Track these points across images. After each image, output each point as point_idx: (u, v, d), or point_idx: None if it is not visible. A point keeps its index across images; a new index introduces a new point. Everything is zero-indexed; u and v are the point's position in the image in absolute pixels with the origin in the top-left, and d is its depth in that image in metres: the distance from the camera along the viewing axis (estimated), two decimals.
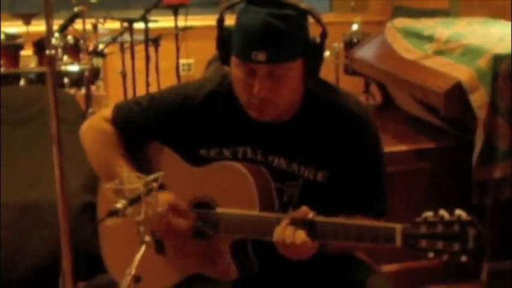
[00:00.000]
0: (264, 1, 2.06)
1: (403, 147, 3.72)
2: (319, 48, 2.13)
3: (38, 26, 5.44)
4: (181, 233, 2.22)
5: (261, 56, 2.04)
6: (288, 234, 2.00)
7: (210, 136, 2.27)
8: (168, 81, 5.15)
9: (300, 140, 2.22)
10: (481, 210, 3.45)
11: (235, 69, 2.13)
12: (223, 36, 2.16)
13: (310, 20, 2.13)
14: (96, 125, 2.38)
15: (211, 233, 2.21)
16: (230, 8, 2.19)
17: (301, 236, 1.99)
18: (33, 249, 3.28)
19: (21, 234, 3.23)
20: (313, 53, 2.12)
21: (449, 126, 3.85)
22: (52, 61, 2.34)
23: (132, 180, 1.98)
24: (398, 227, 1.90)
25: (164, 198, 2.19)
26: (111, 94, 6.20)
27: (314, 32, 2.13)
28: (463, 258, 1.81)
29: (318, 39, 2.12)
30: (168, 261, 2.32)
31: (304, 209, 2.04)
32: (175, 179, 2.24)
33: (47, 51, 2.33)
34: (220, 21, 2.17)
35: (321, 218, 2.02)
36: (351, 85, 4.83)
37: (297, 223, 2.01)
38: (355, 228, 1.98)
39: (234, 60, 2.13)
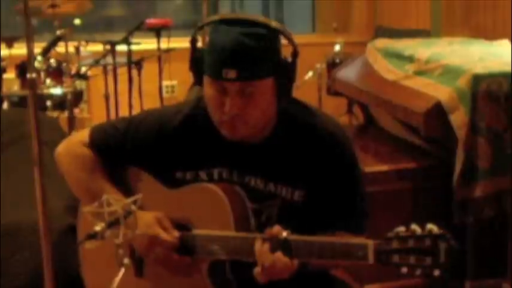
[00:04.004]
0: (236, 20, 2.09)
1: (384, 167, 3.73)
2: (291, 67, 2.14)
3: (21, 49, 5.43)
4: (166, 247, 2.20)
5: (231, 73, 2.05)
6: (267, 257, 2.00)
7: (185, 159, 2.27)
8: (151, 103, 5.16)
9: (276, 159, 2.22)
10: (462, 229, 3.47)
11: (207, 88, 2.14)
12: (196, 57, 2.17)
13: (284, 40, 2.14)
14: (74, 150, 2.37)
15: (189, 254, 2.21)
16: (203, 28, 2.20)
17: (280, 257, 1.99)
18: (15, 272, 3.25)
19: (3, 257, 3.21)
20: (284, 72, 2.13)
21: (431, 146, 3.87)
22: (33, 84, 2.34)
23: (110, 202, 1.98)
24: (370, 243, 1.90)
25: (149, 215, 2.20)
26: (94, 117, 6.21)
27: (287, 52, 2.14)
28: (436, 273, 1.80)
29: (289, 59, 2.14)
30: (147, 284, 2.32)
31: (276, 228, 2.04)
32: (153, 201, 2.24)
33: (29, 75, 2.33)
34: (193, 41, 2.19)
35: (294, 237, 2.02)
36: (333, 105, 4.86)
37: (272, 243, 2.01)
38: (328, 245, 1.98)
39: (206, 79, 2.14)
